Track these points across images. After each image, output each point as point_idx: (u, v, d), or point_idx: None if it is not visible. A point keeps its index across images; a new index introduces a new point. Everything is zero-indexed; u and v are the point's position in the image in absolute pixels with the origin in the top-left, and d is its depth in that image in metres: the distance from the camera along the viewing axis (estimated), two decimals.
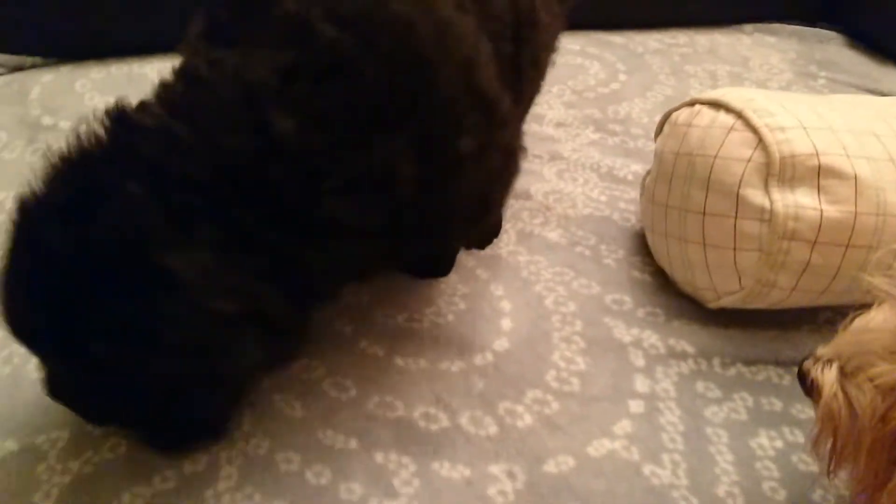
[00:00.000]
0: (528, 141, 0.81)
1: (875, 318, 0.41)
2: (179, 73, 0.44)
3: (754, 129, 0.56)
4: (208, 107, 0.41)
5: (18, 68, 0.84)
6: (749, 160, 0.56)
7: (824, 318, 0.65)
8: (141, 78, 0.84)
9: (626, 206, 0.75)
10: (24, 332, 0.42)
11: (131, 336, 0.39)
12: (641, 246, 0.70)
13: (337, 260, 0.45)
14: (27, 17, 0.82)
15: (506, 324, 0.61)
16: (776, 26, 1.18)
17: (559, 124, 0.87)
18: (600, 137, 0.85)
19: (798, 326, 0.63)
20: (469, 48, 0.47)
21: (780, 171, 0.55)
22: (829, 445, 0.41)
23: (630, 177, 0.79)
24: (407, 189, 0.44)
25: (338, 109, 0.42)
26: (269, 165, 0.41)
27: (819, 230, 0.54)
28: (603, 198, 0.76)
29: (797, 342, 0.62)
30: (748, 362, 0.60)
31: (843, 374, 0.41)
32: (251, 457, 0.50)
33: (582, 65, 1.00)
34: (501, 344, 0.59)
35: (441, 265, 0.65)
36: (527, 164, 0.78)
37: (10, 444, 0.49)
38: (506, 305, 0.63)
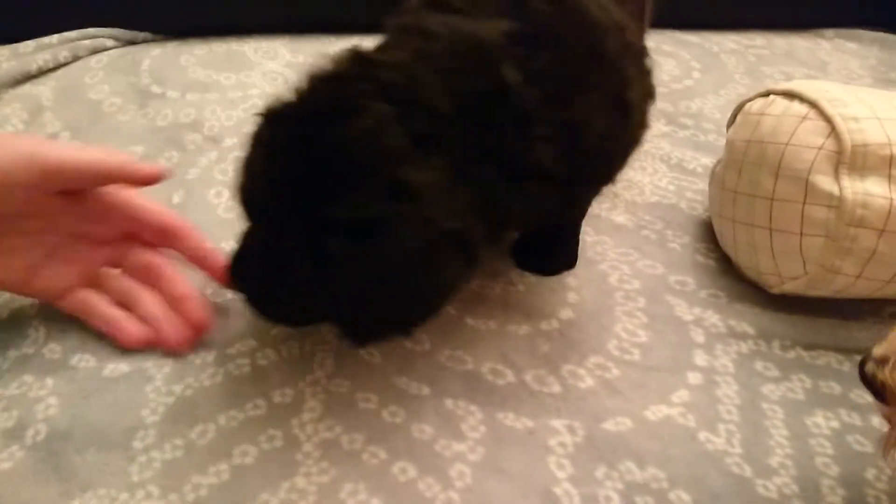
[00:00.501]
0: None
1: None
2: (406, 30, 0.50)
3: (828, 119, 0.58)
4: (444, 54, 0.47)
5: (131, 42, 0.91)
6: (821, 148, 0.58)
7: (890, 312, 0.66)
8: (239, 55, 0.90)
9: (694, 195, 0.77)
10: (264, 217, 0.47)
11: (370, 237, 0.43)
12: (706, 233, 0.72)
13: (528, 202, 0.51)
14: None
15: (571, 296, 0.64)
16: (858, 32, 1.17)
17: None
18: (671, 130, 0.87)
19: (862, 318, 0.65)
20: (618, 12, 0.55)
21: (851, 159, 0.56)
22: None
23: (699, 169, 0.81)
24: (593, 139, 0.51)
25: (549, 69, 0.49)
26: (496, 109, 0.47)
27: (888, 219, 0.56)
28: (671, 187, 0.79)
29: (860, 332, 0.63)
30: (808, 346, 0.62)
31: None
32: (333, 394, 0.54)
33: (656, 61, 1.02)
34: (566, 313, 0.63)
35: (568, 252, 0.68)
36: None
37: (123, 367, 0.55)
38: (572, 281, 0.66)
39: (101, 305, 0.55)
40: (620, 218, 0.74)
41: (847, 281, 0.59)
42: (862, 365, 0.44)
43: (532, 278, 0.66)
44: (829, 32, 1.16)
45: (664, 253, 0.70)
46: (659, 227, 0.73)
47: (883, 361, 0.42)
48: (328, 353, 0.57)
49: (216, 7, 0.92)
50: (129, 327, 0.55)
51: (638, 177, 0.80)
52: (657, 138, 0.86)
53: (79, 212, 0.54)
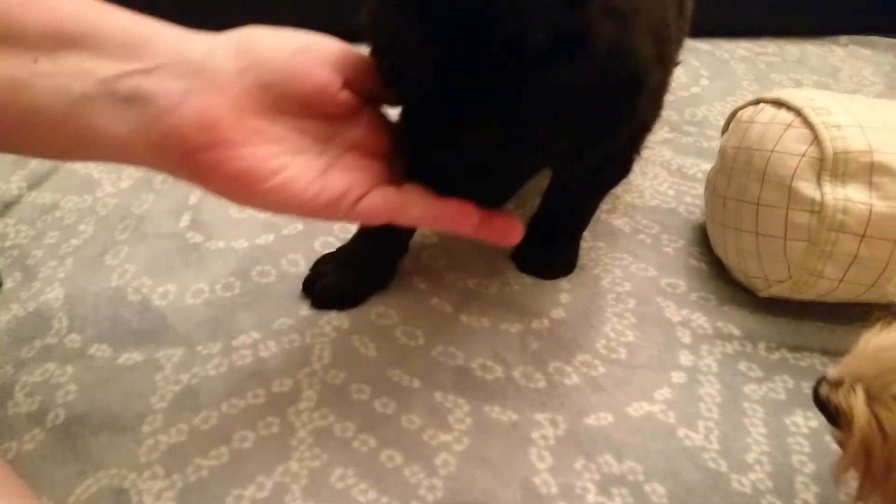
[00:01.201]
0: None
1: (894, 336, 0.43)
2: None
3: (811, 126, 0.60)
4: None
5: None
6: (804, 155, 0.59)
7: (878, 317, 0.66)
8: None
9: (693, 200, 0.79)
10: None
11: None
12: (701, 237, 0.74)
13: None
14: None
15: (564, 297, 0.67)
16: (874, 39, 1.17)
17: None
18: (674, 137, 0.89)
19: (850, 321, 0.66)
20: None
21: (832, 166, 0.58)
22: (860, 472, 0.41)
23: (700, 175, 0.83)
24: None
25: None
26: None
27: (868, 224, 0.57)
28: (671, 192, 0.80)
29: (847, 335, 0.64)
30: (794, 348, 0.63)
31: (868, 395, 0.40)
32: (329, 385, 0.57)
33: None
34: (558, 313, 0.65)
35: (567, 257, 0.69)
36: None
37: (137, 356, 0.59)
38: (565, 283, 0.68)
39: (416, 201, 0.43)
40: (618, 222, 0.76)
41: (830, 285, 0.60)
42: (816, 387, 0.43)
43: (528, 279, 0.69)
44: (844, 39, 1.17)
45: (658, 256, 0.72)
46: (655, 231, 0.75)
47: (837, 384, 0.42)
48: (326, 345, 0.60)
49: None
50: (465, 208, 0.43)
51: (638, 180, 0.82)
52: (659, 145, 0.88)
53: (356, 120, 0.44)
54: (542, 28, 0.36)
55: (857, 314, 0.66)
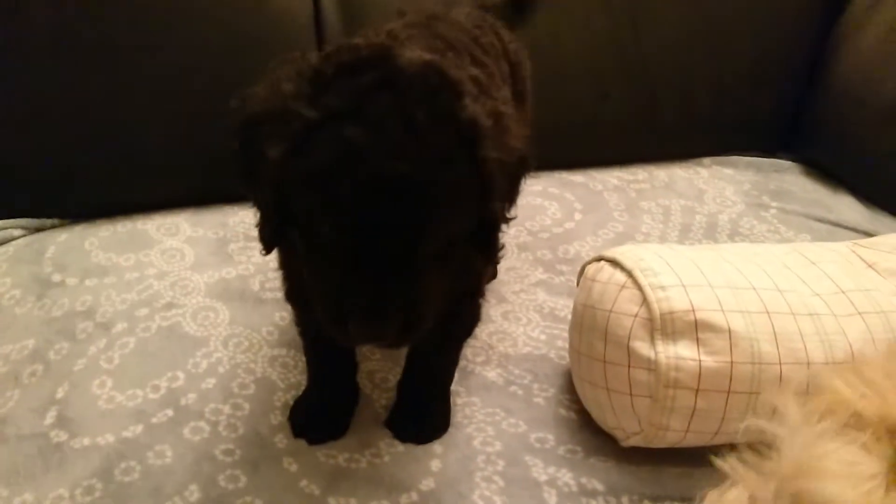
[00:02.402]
0: None
1: (728, 498, 0.46)
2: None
3: (640, 288, 0.64)
4: None
5: (39, 229, 0.97)
6: (636, 315, 0.63)
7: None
8: (142, 234, 0.96)
9: (563, 344, 0.82)
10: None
11: None
12: (571, 384, 0.76)
13: None
14: (45, 185, 0.96)
15: (435, 464, 0.68)
16: (734, 158, 1.27)
17: (510, 269, 0.95)
18: (548, 277, 0.94)
19: (706, 464, 0.68)
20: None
21: (661, 325, 0.62)
22: None
23: (570, 316, 0.86)
24: None
25: None
26: None
27: (700, 379, 0.61)
28: (542, 336, 0.84)
29: (704, 479, 0.66)
30: (655, 499, 0.65)
31: None
32: None
33: (541, 205, 1.10)
34: (427, 483, 0.66)
35: (438, 417, 0.71)
36: None
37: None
38: (437, 448, 0.70)
39: None
40: (492, 374, 0.78)
41: (678, 436, 0.63)
42: None
43: (401, 447, 0.69)
44: (707, 160, 1.26)
45: (529, 409, 0.74)
46: (527, 380, 0.78)
47: None
48: None
49: (121, 187, 0.99)
50: None
51: (512, 328, 0.85)
52: (534, 287, 0.92)
53: None
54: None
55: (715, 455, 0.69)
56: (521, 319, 0.86)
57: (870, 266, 0.71)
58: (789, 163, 1.27)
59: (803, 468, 0.40)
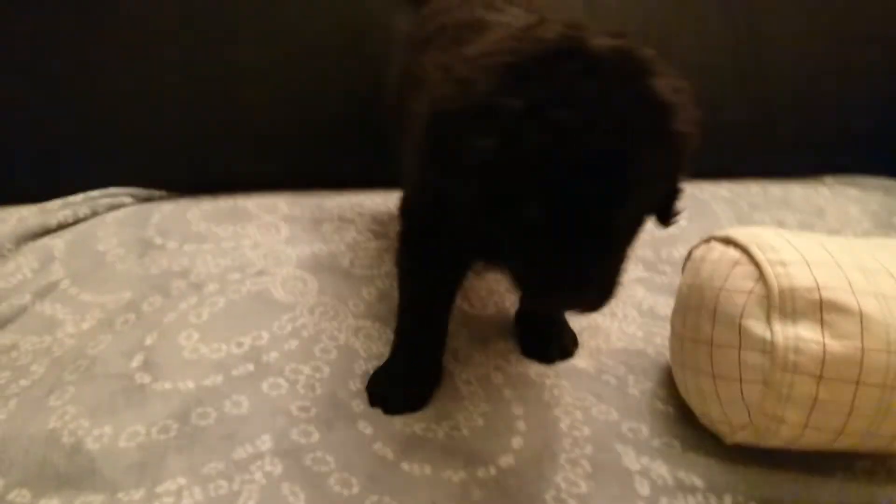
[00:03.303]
0: None
1: None
2: None
3: (757, 263, 0.58)
4: None
5: (147, 199, 1.01)
6: (751, 292, 0.57)
7: (862, 468, 0.61)
8: (241, 209, 0.98)
9: (663, 341, 0.76)
10: None
11: None
12: (669, 379, 0.70)
13: None
14: (156, 159, 1.01)
15: (516, 441, 0.63)
16: (860, 179, 1.17)
17: None
18: (648, 276, 0.88)
19: (831, 472, 0.60)
20: None
21: (780, 303, 0.56)
22: None
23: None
24: None
25: None
26: None
27: (823, 364, 0.54)
28: (640, 333, 0.78)
29: (825, 488, 0.59)
30: (764, 501, 0.58)
31: None
32: None
33: None
34: (507, 460, 0.61)
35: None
36: None
37: (55, 502, 0.56)
38: (521, 425, 0.65)
39: None
40: (583, 362, 0.73)
41: (794, 430, 0.56)
42: None
43: (480, 420, 0.65)
44: (829, 179, 1.17)
45: (622, 399, 0.69)
46: (621, 372, 0.72)
47: None
48: (254, 493, 0.57)
49: (223, 166, 1.02)
50: None
51: (606, 323, 0.80)
52: (632, 283, 0.86)
53: None
54: None
55: (840, 464, 0.61)
56: (616, 315, 0.81)
57: None
58: None
59: None
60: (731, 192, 1.12)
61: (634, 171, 0.48)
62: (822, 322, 0.55)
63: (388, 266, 0.87)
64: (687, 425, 0.65)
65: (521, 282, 0.54)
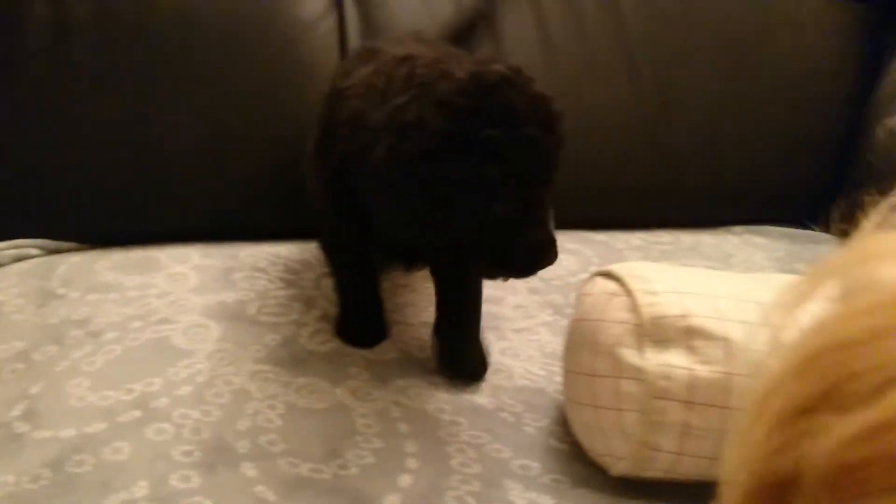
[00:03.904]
0: (484, 320, 0.86)
1: None
2: None
3: (630, 294, 0.60)
4: None
5: (56, 251, 0.99)
6: (625, 322, 0.59)
7: None
8: (152, 259, 0.97)
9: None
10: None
11: None
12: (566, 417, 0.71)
13: None
14: (66, 209, 1.00)
15: (404, 480, 0.62)
16: (767, 228, 1.22)
17: (517, 306, 0.92)
18: (554, 319, 0.89)
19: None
20: None
21: (651, 331, 0.57)
22: None
23: None
24: None
25: None
26: None
27: (692, 390, 0.55)
28: (542, 372, 0.78)
29: None
30: None
31: None
32: None
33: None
34: (393, 499, 0.60)
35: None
36: None
37: None
38: (412, 462, 0.64)
39: None
40: (482, 400, 0.73)
41: (670, 459, 0.57)
42: None
43: (371, 458, 0.64)
44: (738, 228, 1.21)
45: (517, 436, 0.69)
46: (519, 409, 0.72)
47: None
48: None
49: (135, 217, 1.01)
50: None
51: (509, 362, 0.80)
52: (539, 326, 0.87)
53: None
54: None
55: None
56: (519, 356, 0.82)
57: None
58: (826, 235, 1.21)
59: None
60: (644, 240, 1.15)
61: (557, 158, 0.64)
62: (690, 348, 0.56)
63: (296, 314, 0.87)
64: (578, 462, 0.65)
65: (505, 263, 0.65)
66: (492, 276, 0.71)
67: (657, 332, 0.57)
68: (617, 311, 0.60)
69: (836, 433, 0.21)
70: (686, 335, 0.56)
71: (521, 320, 0.89)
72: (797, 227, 1.22)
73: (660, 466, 0.57)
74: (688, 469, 0.57)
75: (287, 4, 1.06)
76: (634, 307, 0.59)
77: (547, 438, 0.68)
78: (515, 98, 0.61)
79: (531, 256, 0.65)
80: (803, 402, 0.24)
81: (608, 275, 0.65)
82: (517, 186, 0.61)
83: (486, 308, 0.90)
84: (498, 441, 0.68)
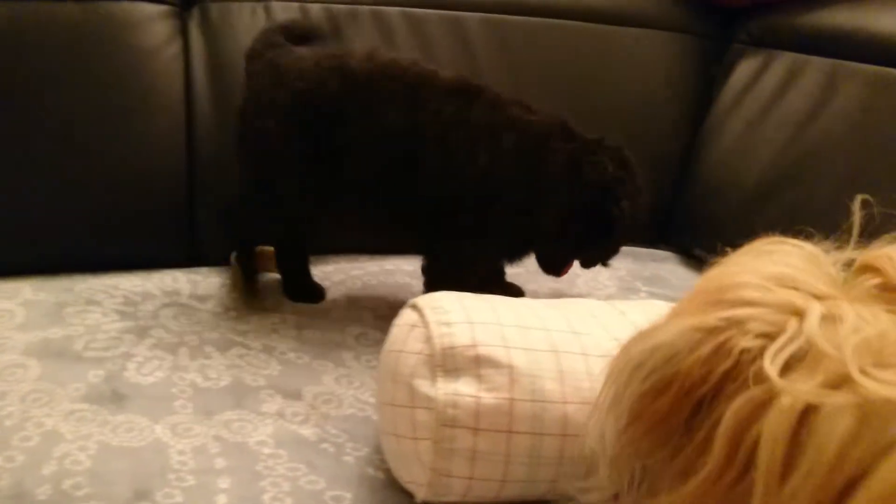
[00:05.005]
0: (315, 346, 0.87)
1: None
2: None
3: (427, 325, 0.62)
4: None
5: None
6: (420, 353, 0.61)
7: None
8: None
9: None
10: None
11: None
12: None
13: None
14: None
15: None
16: None
17: (360, 335, 0.93)
18: None
19: None
20: None
21: (442, 361, 0.60)
22: None
23: None
24: None
25: None
26: None
27: (478, 416, 0.58)
28: (371, 399, 0.80)
29: None
30: None
31: None
32: None
33: (408, 283, 1.09)
34: None
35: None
36: (305, 367, 0.84)
37: None
38: (222, 499, 0.64)
39: None
40: (307, 431, 0.74)
41: (463, 484, 0.59)
42: None
43: (180, 497, 0.64)
44: None
45: (336, 466, 0.70)
46: (342, 439, 0.73)
47: None
48: None
49: None
50: None
51: (341, 390, 0.82)
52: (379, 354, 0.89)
53: None
54: None
55: None
56: (353, 383, 0.83)
57: None
58: (668, 253, 1.29)
59: None
60: None
61: None
62: (478, 377, 0.59)
63: (126, 346, 0.85)
64: (390, 489, 0.67)
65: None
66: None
67: (448, 362, 0.59)
68: (414, 342, 0.62)
69: None
70: (475, 364, 0.59)
71: (362, 348, 0.90)
72: (639, 246, 1.29)
73: (456, 492, 0.60)
74: (481, 493, 0.60)
75: (128, 33, 1.04)
76: (429, 338, 0.61)
77: (365, 467, 0.70)
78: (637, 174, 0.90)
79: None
80: None
81: (413, 306, 0.67)
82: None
83: (329, 337, 0.92)
84: (315, 472, 0.69)
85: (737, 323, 0.33)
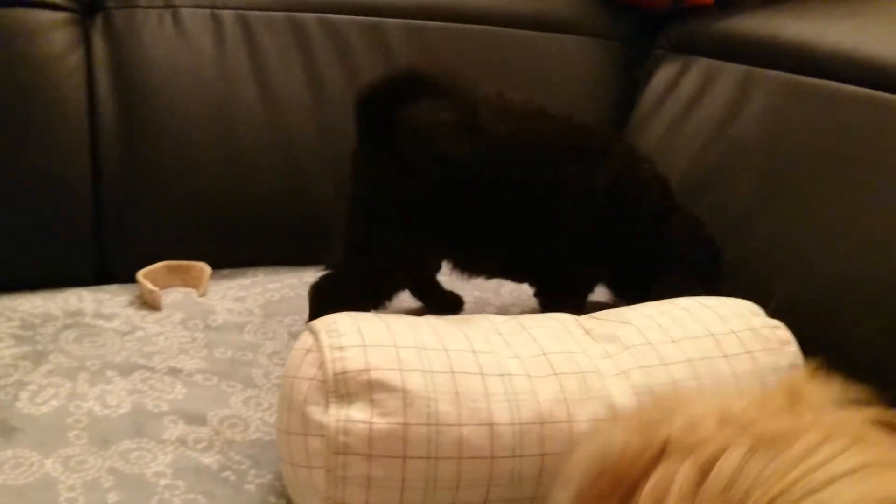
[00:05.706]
0: (224, 366, 0.84)
1: None
2: None
3: (321, 349, 0.61)
4: None
5: None
6: (313, 378, 0.59)
7: None
8: None
9: None
10: None
11: None
12: None
13: None
14: None
15: None
16: None
17: (273, 353, 0.91)
18: None
19: None
20: None
21: (335, 387, 0.58)
22: None
23: None
24: None
25: None
26: None
27: (371, 443, 0.56)
28: None
29: None
30: None
31: None
32: None
33: None
34: None
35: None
36: (212, 388, 0.82)
37: None
38: None
39: None
40: (209, 459, 0.72)
41: None
42: None
43: None
44: None
45: (236, 495, 0.67)
46: (245, 466, 0.71)
47: None
48: None
49: None
50: None
51: (249, 413, 0.79)
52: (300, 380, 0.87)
53: None
54: None
55: None
56: (262, 405, 0.81)
57: (587, 332, 0.70)
58: None
59: None
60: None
61: None
62: (371, 402, 0.57)
63: (21, 373, 0.81)
64: None
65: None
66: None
67: (340, 388, 0.58)
68: (308, 368, 0.60)
69: None
70: (367, 389, 0.58)
71: (274, 366, 0.88)
72: None
73: None
74: None
75: (25, 41, 0.99)
76: (322, 363, 0.59)
77: (267, 496, 0.68)
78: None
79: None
80: None
81: (311, 329, 0.65)
82: None
83: (240, 356, 0.89)
84: (214, 502, 0.66)
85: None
